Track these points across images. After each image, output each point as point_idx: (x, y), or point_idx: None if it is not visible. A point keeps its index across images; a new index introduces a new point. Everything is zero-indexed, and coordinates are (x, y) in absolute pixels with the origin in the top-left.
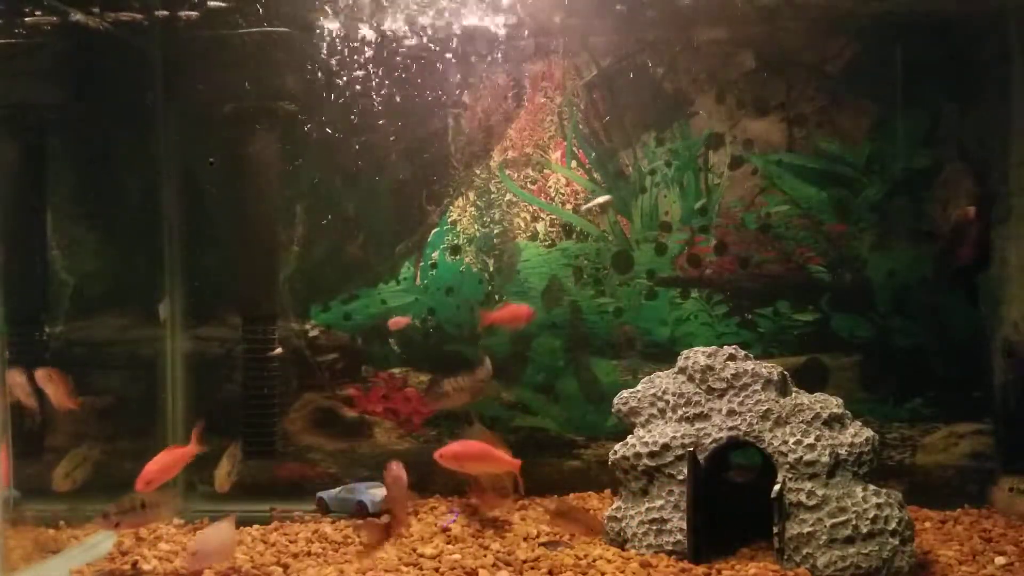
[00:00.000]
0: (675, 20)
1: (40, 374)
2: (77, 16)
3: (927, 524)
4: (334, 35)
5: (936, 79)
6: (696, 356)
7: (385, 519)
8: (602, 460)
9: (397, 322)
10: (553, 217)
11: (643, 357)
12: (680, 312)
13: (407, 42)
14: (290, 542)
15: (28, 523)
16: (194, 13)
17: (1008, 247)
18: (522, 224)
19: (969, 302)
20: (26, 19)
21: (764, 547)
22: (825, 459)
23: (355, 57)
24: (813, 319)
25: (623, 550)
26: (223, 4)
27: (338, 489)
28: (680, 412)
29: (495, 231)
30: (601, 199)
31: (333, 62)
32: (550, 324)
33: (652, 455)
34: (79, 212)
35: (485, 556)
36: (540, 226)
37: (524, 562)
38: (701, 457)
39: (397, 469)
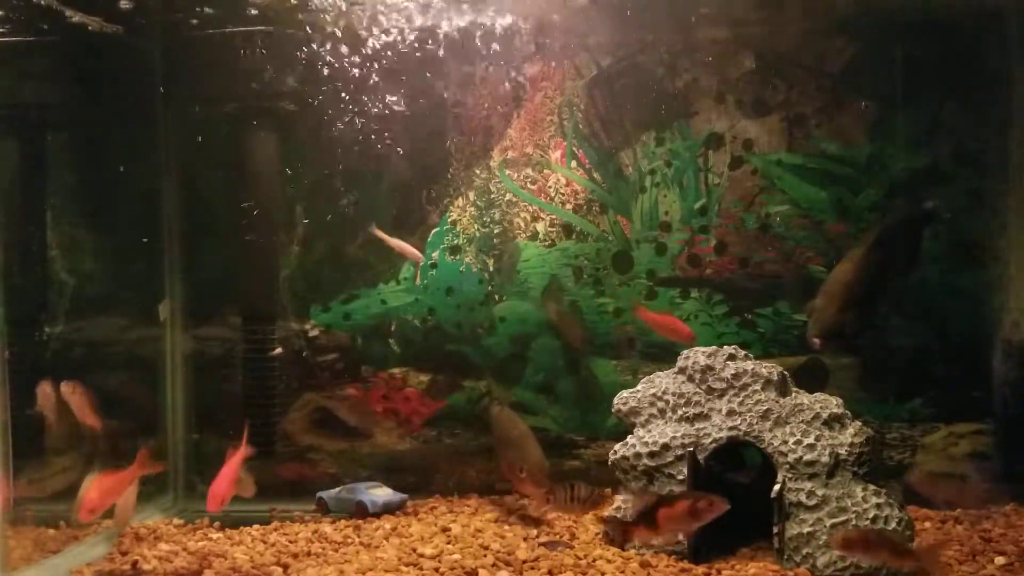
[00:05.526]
0: (675, 20)
1: (65, 387)
2: (77, 16)
3: (927, 524)
4: (335, 35)
5: (936, 79)
6: (696, 356)
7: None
8: (602, 460)
9: None
10: (553, 217)
11: (643, 357)
12: (680, 312)
13: (407, 41)
14: (290, 542)
15: (28, 523)
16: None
17: (1008, 247)
18: (522, 224)
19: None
20: (26, 19)
21: (764, 547)
22: (825, 459)
23: (355, 57)
24: None
25: (623, 550)
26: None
27: (338, 489)
28: (680, 412)
29: (495, 231)
30: None
31: (333, 62)
32: (550, 324)
33: (652, 455)
34: (79, 212)
35: (485, 556)
36: (540, 226)
37: (524, 562)
38: (701, 457)
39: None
